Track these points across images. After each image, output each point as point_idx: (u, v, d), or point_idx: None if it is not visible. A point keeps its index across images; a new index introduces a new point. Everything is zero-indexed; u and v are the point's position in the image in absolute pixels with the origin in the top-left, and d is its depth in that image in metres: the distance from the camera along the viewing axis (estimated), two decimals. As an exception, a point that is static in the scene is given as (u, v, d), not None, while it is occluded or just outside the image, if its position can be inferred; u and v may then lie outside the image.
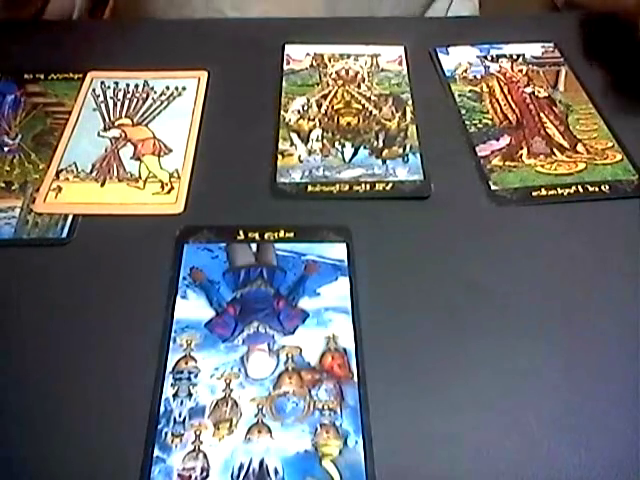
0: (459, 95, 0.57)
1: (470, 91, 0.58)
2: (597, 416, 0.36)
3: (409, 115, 0.55)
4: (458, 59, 0.61)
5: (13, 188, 0.48)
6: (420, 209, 0.47)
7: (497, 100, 0.57)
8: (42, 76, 0.58)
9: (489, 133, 0.53)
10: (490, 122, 0.54)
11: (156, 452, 0.34)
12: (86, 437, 0.35)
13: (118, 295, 0.41)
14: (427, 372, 0.38)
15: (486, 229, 0.46)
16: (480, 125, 0.54)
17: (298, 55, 0.61)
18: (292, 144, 0.52)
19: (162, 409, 0.36)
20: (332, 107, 0.56)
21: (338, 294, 0.41)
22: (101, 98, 0.56)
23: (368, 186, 0.48)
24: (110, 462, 0.34)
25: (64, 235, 0.45)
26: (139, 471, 0.33)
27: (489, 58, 0.62)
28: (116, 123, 0.54)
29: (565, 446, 0.35)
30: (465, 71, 0.60)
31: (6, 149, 0.51)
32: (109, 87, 0.57)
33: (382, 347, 0.39)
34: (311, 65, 0.60)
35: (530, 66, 0.61)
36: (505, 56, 0.62)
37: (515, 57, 0.62)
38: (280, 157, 0.51)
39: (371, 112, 0.55)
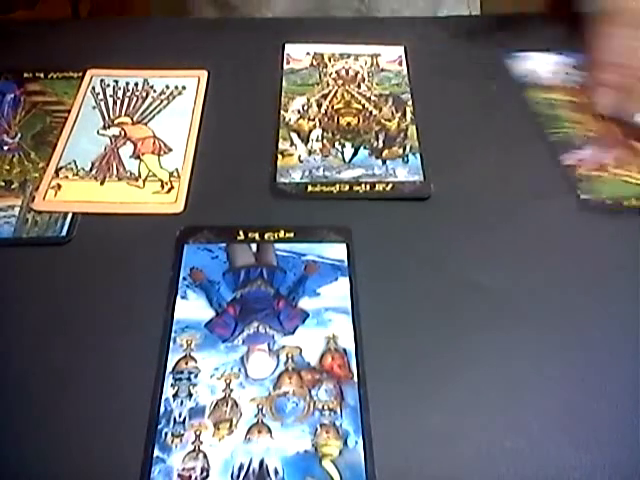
0: (537, 102, 0.56)
1: (549, 99, 0.56)
2: (597, 416, 0.36)
3: (409, 115, 0.55)
4: (533, 65, 0.60)
5: (13, 187, 0.48)
6: (420, 209, 0.47)
7: (580, 110, 0.55)
8: (42, 75, 0.58)
9: (572, 142, 0.52)
10: (572, 131, 0.53)
11: (156, 452, 0.34)
12: (86, 437, 0.35)
13: (118, 295, 0.41)
14: (427, 372, 0.38)
15: (486, 229, 0.46)
16: (561, 134, 0.53)
17: (298, 55, 0.61)
18: (292, 144, 0.52)
19: (162, 409, 0.36)
20: (332, 107, 0.56)
21: (338, 294, 0.41)
22: (101, 96, 0.56)
23: (368, 186, 0.48)
24: (110, 462, 0.34)
25: (63, 234, 0.45)
26: (139, 471, 0.33)
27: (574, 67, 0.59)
28: (116, 121, 0.54)
29: (565, 446, 0.35)
30: (545, 77, 0.58)
31: (6, 148, 0.51)
32: (109, 85, 0.57)
33: (382, 347, 0.39)
34: (311, 65, 0.60)
35: None
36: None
37: None
38: (280, 157, 0.51)
39: (371, 112, 0.55)
